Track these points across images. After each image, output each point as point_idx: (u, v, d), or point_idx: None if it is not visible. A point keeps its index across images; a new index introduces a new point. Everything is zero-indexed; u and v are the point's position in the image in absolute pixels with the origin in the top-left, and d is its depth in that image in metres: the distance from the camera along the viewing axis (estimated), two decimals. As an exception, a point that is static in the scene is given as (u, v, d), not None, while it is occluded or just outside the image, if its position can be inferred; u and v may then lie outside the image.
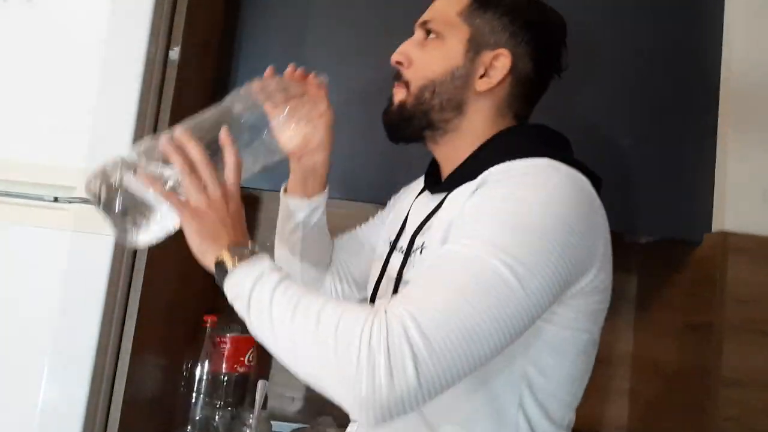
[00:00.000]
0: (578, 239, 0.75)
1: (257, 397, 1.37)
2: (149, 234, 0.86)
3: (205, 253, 0.81)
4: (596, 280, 0.80)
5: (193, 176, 0.82)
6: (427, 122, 0.94)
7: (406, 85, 0.94)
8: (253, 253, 0.80)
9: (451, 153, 0.95)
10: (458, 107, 0.93)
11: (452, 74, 0.92)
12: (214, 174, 0.83)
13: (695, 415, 1.32)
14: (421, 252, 0.89)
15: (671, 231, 1.42)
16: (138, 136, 1.16)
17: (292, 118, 0.99)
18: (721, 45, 1.42)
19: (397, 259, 0.95)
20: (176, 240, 0.85)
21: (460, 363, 0.67)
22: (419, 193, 1.04)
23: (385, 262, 0.99)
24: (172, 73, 1.22)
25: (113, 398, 1.13)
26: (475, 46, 0.92)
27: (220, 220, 0.82)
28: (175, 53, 1.22)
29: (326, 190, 1.11)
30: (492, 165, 0.83)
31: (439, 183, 0.97)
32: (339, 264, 1.18)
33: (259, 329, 0.76)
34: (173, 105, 1.22)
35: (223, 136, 0.85)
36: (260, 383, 1.38)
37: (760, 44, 1.38)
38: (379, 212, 1.19)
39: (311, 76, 1.03)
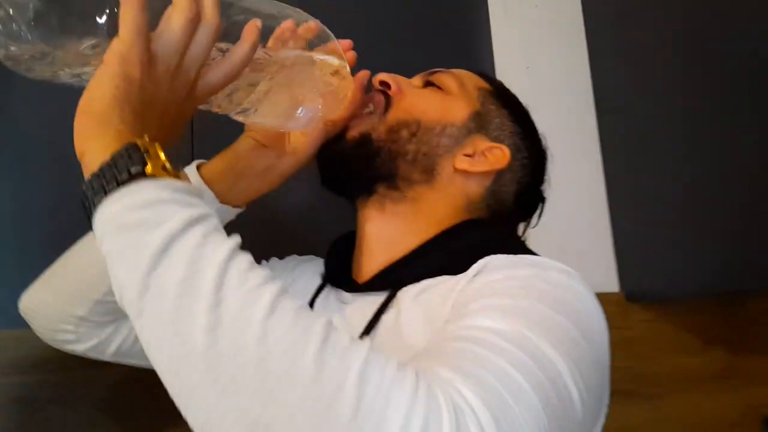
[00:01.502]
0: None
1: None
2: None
3: (105, 121, 0.48)
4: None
5: None
6: (390, 171, 0.74)
7: (384, 107, 0.75)
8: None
9: (393, 233, 0.74)
10: (429, 171, 0.74)
11: (443, 128, 0.75)
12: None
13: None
14: None
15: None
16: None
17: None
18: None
19: None
20: None
21: None
22: (319, 288, 0.78)
23: None
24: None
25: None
26: (477, 124, 0.77)
27: (168, 88, 0.53)
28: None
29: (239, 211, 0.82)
30: (475, 258, 0.63)
31: (345, 278, 0.75)
32: None
33: (163, 308, 0.42)
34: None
35: None
36: None
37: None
38: (276, 264, 0.90)
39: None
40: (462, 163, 0.75)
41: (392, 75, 0.78)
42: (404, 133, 0.74)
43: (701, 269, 1.37)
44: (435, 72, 0.80)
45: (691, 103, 1.35)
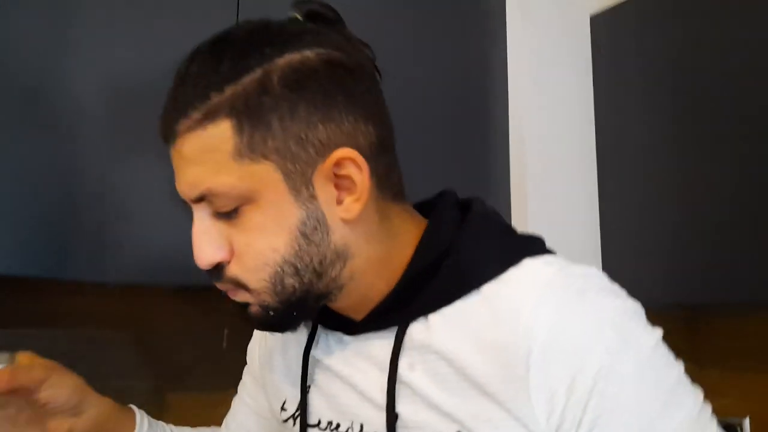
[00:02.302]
0: None
1: None
2: None
3: None
4: None
5: None
6: (317, 296, 0.63)
7: (241, 286, 0.62)
8: None
9: (363, 294, 0.65)
10: (340, 257, 0.62)
11: (304, 236, 0.60)
12: None
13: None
14: None
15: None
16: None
17: None
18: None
19: None
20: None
21: None
22: (311, 336, 0.72)
23: None
24: None
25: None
26: (298, 176, 0.59)
27: None
28: None
29: (138, 421, 0.80)
30: (486, 276, 0.61)
31: (337, 319, 0.68)
32: None
33: None
34: None
35: None
36: None
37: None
38: (244, 384, 0.89)
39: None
40: (348, 213, 0.61)
41: (201, 248, 0.61)
42: (289, 282, 0.61)
43: (672, 283, 1.49)
44: (200, 198, 0.60)
45: (681, 131, 1.46)
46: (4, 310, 1.22)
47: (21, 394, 0.69)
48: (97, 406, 0.75)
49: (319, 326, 0.71)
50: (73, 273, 1.08)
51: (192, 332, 1.40)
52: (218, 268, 0.61)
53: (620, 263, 1.56)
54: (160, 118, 0.60)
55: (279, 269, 0.60)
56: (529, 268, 0.61)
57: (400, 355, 0.62)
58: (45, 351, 1.19)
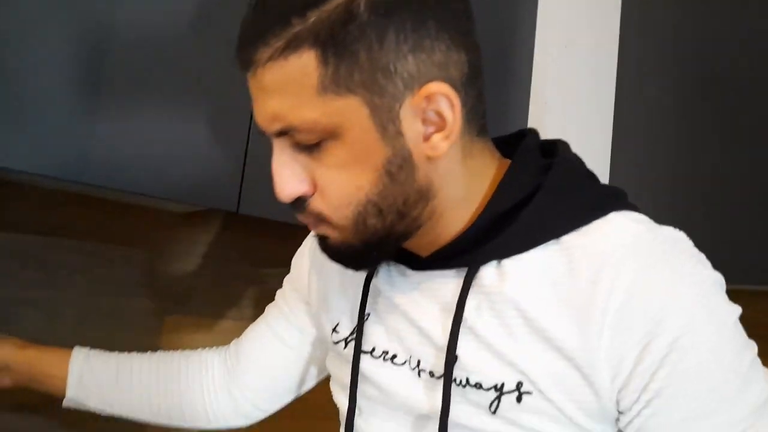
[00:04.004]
0: None
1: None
2: None
3: None
4: None
5: None
6: (398, 237, 0.61)
7: (324, 221, 0.60)
8: None
9: (437, 233, 0.63)
10: (423, 196, 0.60)
11: (389, 175, 0.57)
12: None
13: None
14: (519, 399, 0.58)
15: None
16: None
17: None
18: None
19: (405, 378, 0.65)
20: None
21: None
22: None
23: (353, 370, 0.68)
24: None
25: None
26: (386, 111, 0.56)
27: None
28: None
29: (72, 359, 0.85)
30: (567, 227, 0.59)
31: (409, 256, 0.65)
32: (237, 378, 0.87)
33: None
34: None
35: None
36: None
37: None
38: (284, 293, 0.88)
39: None
40: (434, 150, 0.59)
41: (282, 182, 0.60)
42: (371, 222, 0.59)
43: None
44: (283, 131, 0.58)
45: (701, 114, 1.46)
46: (13, 215, 1.22)
47: None
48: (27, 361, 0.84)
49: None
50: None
51: (197, 257, 1.41)
52: (300, 201, 0.59)
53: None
54: (237, 44, 0.57)
55: (362, 208, 0.58)
56: (615, 222, 0.59)
57: (468, 297, 0.60)
58: (48, 260, 1.21)
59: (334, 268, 0.74)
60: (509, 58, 1.57)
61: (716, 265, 0.60)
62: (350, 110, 0.55)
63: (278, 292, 0.89)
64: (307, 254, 0.83)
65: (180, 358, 0.89)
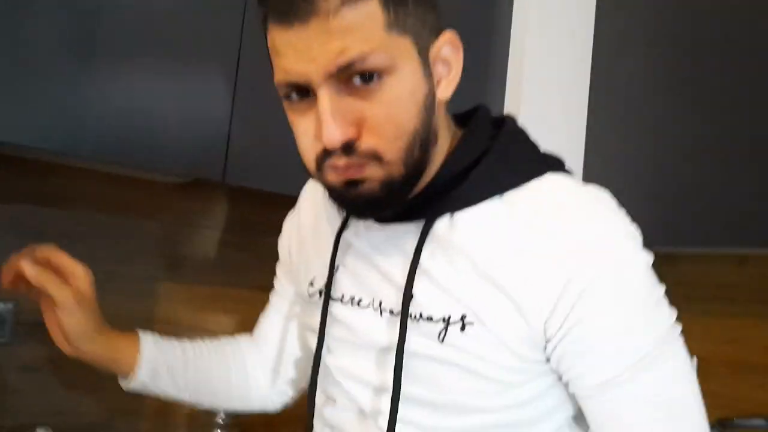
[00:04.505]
0: None
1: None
2: None
3: None
4: None
5: None
6: (420, 175, 0.68)
7: (377, 157, 0.64)
8: None
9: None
10: (435, 137, 0.69)
11: (427, 109, 0.66)
12: None
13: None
14: (463, 327, 0.67)
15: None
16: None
17: None
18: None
19: (367, 318, 0.73)
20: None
21: None
22: (344, 222, 0.78)
23: (323, 312, 0.76)
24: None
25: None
26: (423, 53, 0.66)
27: None
28: None
29: (142, 344, 0.88)
30: (509, 184, 0.69)
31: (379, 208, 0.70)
32: (285, 375, 0.95)
33: None
34: None
35: None
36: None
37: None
38: (279, 280, 0.96)
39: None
40: (446, 91, 0.69)
41: (333, 124, 0.63)
42: (416, 153, 0.66)
43: (642, 226, 1.55)
44: (347, 66, 0.62)
45: (670, 93, 1.50)
46: (9, 185, 1.27)
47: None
48: (103, 344, 0.84)
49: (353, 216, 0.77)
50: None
51: (191, 226, 1.46)
52: (349, 145, 0.63)
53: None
54: None
55: (411, 139, 0.65)
56: (550, 181, 0.69)
57: (424, 245, 0.69)
58: (46, 229, 1.26)
59: (309, 234, 0.85)
60: (487, 37, 1.62)
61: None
62: (405, 48, 0.64)
63: (275, 281, 0.98)
64: (287, 234, 0.93)
65: (228, 345, 0.97)
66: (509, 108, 1.63)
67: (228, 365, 0.95)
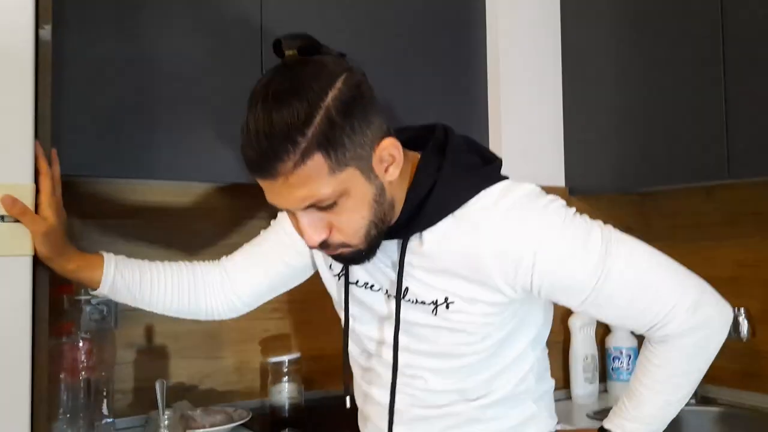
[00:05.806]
0: None
1: (159, 398, 1.36)
2: None
3: None
4: None
5: None
6: (383, 234, 0.94)
7: (345, 246, 0.92)
8: None
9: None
10: (391, 206, 0.93)
11: (377, 202, 0.90)
12: None
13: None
14: (447, 306, 0.94)
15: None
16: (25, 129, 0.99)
17: None
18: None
19: (378, 298, 1.01)
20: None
21: None
22: None
23: (345, 294, 1.04)
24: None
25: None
26: (367, 168, 0.88)
27: None
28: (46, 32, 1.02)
29: (105, 266, 1.08)
30: (456, 206, 0.93)
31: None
32: (233, 286, 1.16)
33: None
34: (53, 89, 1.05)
35: None
36: (159, 383, 1.37)
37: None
38: (278, 226, 1.16)
39: None
40: (392, 176, 0.91)
41: (311, 232, 0.89)
42: (373, 232, 0.91)
43: (625, 171, 1.75)
44: (311, 206, 0.87)
45: (639, 40, 1.65)
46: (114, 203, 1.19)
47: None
48: (71, 267, 1.05)
49: None
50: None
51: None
52: (325, 242, 0.90)
53: (580, 160, 1.83)
54: (254, 165, 0.84)
55: (367, 228, 0.90)
56: (486, 193, 0.93)
57: (405, 255, 0.97)
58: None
59: None
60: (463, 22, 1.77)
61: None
62: (350, 176, 0.86)
63: (276, 223, 1.17)
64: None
65: (186, 268, 1.17)
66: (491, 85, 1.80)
67: (180, 284, 1.14)
